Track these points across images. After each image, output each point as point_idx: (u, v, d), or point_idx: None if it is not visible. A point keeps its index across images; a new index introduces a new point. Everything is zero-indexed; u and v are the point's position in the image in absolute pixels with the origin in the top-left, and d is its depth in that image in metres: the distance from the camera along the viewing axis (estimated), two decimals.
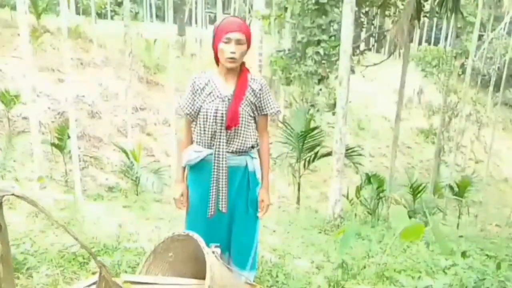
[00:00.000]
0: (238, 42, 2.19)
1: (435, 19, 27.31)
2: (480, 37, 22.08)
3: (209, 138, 2.30)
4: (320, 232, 5.07)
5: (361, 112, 21.49)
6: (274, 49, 13.19)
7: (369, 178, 7.34)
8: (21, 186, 7.05)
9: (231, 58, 2.21)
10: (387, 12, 11.59)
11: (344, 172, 6.69)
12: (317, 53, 10.94)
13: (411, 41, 9.77)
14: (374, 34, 15.38)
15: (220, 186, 2.31)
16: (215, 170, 2.30)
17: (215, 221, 2.37)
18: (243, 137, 2.32)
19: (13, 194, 1.20)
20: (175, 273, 2.09)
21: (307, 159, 7.67)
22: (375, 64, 11.31)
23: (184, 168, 2.42)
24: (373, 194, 6.90)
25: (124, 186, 10.03)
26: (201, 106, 2.30)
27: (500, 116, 23.15)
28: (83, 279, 2.40)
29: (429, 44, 32.04)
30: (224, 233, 2.42)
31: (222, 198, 2.33)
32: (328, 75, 11.70)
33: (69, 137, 8.90)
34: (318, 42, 11.07)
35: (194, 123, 2.35)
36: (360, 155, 8.20)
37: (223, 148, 2.29)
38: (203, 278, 1.80)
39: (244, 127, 2.31)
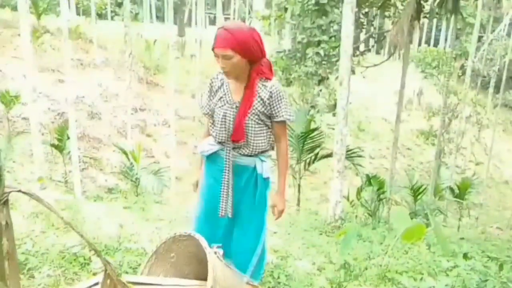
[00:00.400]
0: (224, 57, 2.12)
1: (434, 20, 27.36)
2: (479, 38, 22.13)
3: (219, 139, 2.33)
4: (321, 234, 5.06)
5: (361, 114, 21.50)
6: (274, 50, 13.16)
7: (369, 180, 7.33)
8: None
9: (223, 72, 2.20)
10: (386, 13, 11.63)
11: (345, 173, 6.68)
12: (317, 54, 10.94)
13: (411, 42, 9.76)
14: (374, 35, 15.39)
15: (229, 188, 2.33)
16: (226, 170, 2.32)
17: (218, 218, 2.38)
18: (252, 145, 2.30)
19: (19, 191, 1.20)
20: (177, 274, 2.08)
21: (307, 160, 7.66)
22: (375, 65, 11.31)
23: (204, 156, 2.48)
24: (373, 195, 6.90)
25: (123, 187, 10.01)
26: (214, 108, 2.32)
27: (500, 118, 23.15)
28: (84, 280, 2.39)
29: (429, 45, 32.08)
30: (225, 231, 2.43)
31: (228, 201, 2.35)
32: (328, 76, 11.70)
33: (68, 138, 8.90)
34: (318, 43, 11.06)
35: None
36: (360, 156, 8.19)
37: (230, 155, 2.31)
38: (206, 279, 1.78)
39: (253, 137, 2.28)
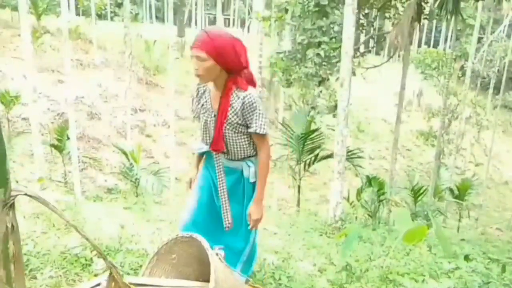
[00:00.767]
0: (198, 58, 2.12)
1: (434, 21, 27.38)
2: (479, 40, 22.16)
3: (205, 144, 2.38)
4: (321, 235, 5.05)
5: (361, 115, 21.52)
6: (274, 51, 13.16)
7: (369, 181, 7.34)
8: None
9: (195, 74, 2.19)
10: (387, 14, 11.61)
11: (345, 174, 6.68)
12: (318, 55, 10.91)
13: (411, 43, 9.76)
14: (374, 36, 15.39)
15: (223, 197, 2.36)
16: (220, 179, 2.35)
17: (209, 211, 2.44)
18: (233, 152, 2.31)
19: (26, 194, 1.19)
20: (178, 275, 2.07)
21: (307, 161, 7.65)
22: (375, 66, 11.31)
23: (199, 155, 2.51)
24: (373, 196, 6.90)
25: (123, 188, 10.01)
26: (199, 114, 2.36)
27: (500, 119, 23.19)
28: (86, 281, 2.39)
29: (429, 46, 32.11)
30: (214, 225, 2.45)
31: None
32: (328, 77, 11.68)
33: (68, 138, 8.89)
34: (319, 44, 11.04)
35: None
36: (360, 157, 8.19)
37: (219, 158, 2.34)
38: (207, 280, 1.78)
39: (232, 146, 2.28)
